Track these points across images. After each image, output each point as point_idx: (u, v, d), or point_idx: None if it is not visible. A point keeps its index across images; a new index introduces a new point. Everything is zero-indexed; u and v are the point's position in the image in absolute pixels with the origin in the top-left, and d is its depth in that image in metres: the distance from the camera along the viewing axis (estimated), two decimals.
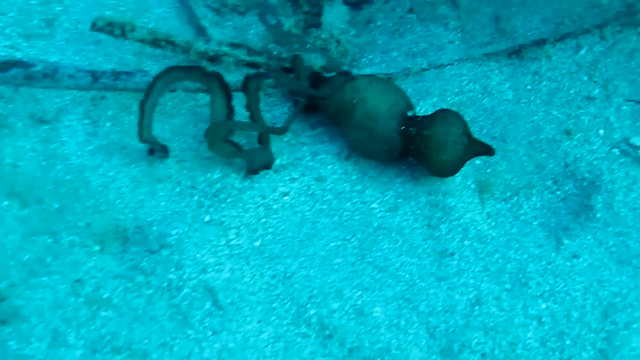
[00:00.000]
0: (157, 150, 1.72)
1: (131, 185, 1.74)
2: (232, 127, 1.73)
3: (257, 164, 1.76)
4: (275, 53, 1.95)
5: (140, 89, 1.81)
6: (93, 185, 1.71)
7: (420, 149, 1.71)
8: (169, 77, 1.73)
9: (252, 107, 1.76)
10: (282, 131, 1.74)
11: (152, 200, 1.72)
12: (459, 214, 1.75)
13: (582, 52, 2.01)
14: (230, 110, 1.76)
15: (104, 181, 1.73)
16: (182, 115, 1.85)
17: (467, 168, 1.81)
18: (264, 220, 1.72)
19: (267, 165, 1.77)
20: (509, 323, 1.60)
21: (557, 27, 2.04)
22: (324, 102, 1.78)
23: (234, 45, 1.95)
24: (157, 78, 1.72)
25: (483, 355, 1.57)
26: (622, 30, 2.03)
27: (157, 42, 1.87)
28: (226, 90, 1.75)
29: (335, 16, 2.03)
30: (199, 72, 1.75)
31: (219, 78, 1.74)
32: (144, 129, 1.70)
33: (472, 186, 1.82)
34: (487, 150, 1.71)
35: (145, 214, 1.70)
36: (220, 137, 1.70)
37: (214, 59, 1.91)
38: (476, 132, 1.87)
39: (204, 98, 1.86)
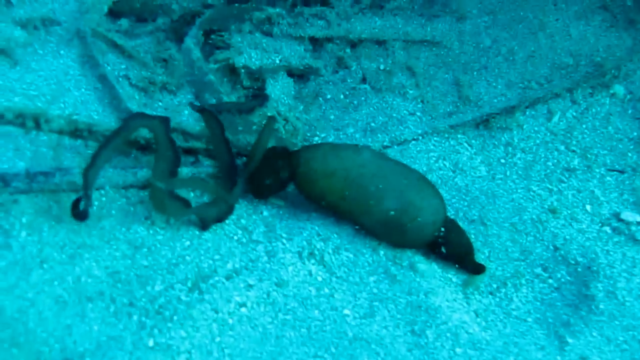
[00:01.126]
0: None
1: (55, 307, 1.46)
2: (176, 187, 1.59)
3: (209, 218, 1.61)
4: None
5: (60, 189, 1.57)
6: (8, 310, 1.43)
7: None
8: (115, 141, 1.57)
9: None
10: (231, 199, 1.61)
11: (81, 324, 1.44)
12: (445, 316, 1.56)
13: (555, 118, 1.99)
14: (176, 159, 1.62)
15: (21, 305, 1.44)
16: (112, 217, 1.61)
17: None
18: (218, 339, 1.47)
19: (221, 219, 1.63)
20: None
21: (524, 91, 2.02)
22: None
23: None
24: (101, 146, 1.54)
25: None
26: (594, 92, 2.03)
27: (77, 131, 1.66)
28: (170, 138, 1.61)
29: (280, 90, 1.90)
30: (140, 119, 1.60)
31: (163, 121, 1.59)
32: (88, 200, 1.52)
33: (454, 279, 1.65)
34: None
35: (75, 342, 1.41)
36: (165, 196, 1.57)
37: (145, 147, 1.72)
38: (453, 215, 1.75)
39: (135, 195, 1.66)
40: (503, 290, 1.65)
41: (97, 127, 1.67)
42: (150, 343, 1.43)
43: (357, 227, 1.66)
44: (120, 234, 1.60)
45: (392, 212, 1.59)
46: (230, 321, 1.50)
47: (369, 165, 1.60)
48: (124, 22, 1.96)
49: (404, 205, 1.59)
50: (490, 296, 1.64)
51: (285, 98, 1.90)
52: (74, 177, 1.59)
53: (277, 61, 1.91)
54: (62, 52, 1.92)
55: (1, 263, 1.49)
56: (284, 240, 1.65)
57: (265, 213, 1.71)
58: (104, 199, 1.63)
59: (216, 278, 1.55)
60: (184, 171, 1.69)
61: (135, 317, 1.47)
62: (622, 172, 1.88)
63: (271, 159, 1.65)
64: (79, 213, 1.53)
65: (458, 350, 1.51)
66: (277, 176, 1.65)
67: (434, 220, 1.59)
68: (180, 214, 1.59)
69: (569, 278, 1.68)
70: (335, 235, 1.66)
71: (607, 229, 1.77)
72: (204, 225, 1.61)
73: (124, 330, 1.46)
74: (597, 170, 1.88)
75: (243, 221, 1.67)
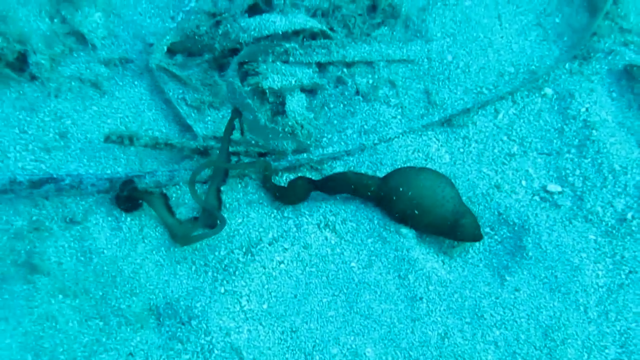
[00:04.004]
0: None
1: (156, 269, 1.94)
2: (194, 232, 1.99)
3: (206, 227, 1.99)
4: (252, 142, 2.14)
5: (149, 187, 2.08)
6: (125, 272, 1.95)
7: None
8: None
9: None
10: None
11: (175, 280, 1.93)
12: (421, 264, 1.95)
13: (500, 116, 2.20)
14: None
15: (133, 268, 1.94)
16: (186, 204, 2.08)
17: None
18: (267, 286, 1.93)
19: (211, 226, 1.99)
20: (472, 349, 1.86)
21: (477, 96, 2.23)
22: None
23: (217, 138, 2.19)
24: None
25: None
26: (529, 94, 2.22)
27: (157, 145, 2.13)
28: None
29: (296, 103, 2.21)
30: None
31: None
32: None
33: (427, 239, 2.04)
34: None
35: (172, 291, 1.91)
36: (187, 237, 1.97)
37: (203, 152, 2.17)
38: None
39: (200, 188, 2.10)
40: (462, 244, 2.01)
41: (171, 140, 2.12)
42: (222, 290, 1.93)
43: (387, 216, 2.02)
44: (192, 216, 2.05)
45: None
46: (274, 273, 1.95)
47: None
48: (179, 58, 2.30)
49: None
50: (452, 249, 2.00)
51: (300, 109, 2.20)
52: (158, 178, 2.09)
53: (293, 82, 2.21)
54: (136, 82, 2.29)
55: (116, 240, 2.00)
56: (307, 216, 2.04)
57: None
58: (179, 191, 2.12)
59: (262, 245, 1.97)
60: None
61: (210, 273, 1.97)
62: (549, 154, 2.11)
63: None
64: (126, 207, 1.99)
65: (430, 287, 1.92)
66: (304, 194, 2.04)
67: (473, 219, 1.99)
68: (196, 241, 1.97)
69: (508, 235, 2.00)
70: (343, 211, 2.03)
71: (537, 198, 2.04)
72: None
73: (203, 283, 1.95)
74: (531, 154, 2.11)
75: (277, 203, 2.06)
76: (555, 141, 2.15)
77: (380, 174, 2.09)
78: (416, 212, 1.97)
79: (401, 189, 1.96)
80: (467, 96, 2.25)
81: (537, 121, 2.19)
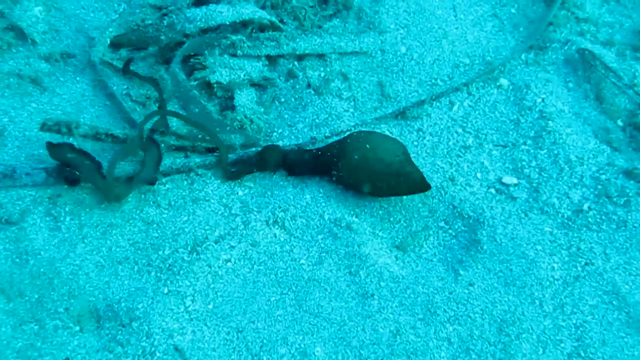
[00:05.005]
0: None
1: (96, 270, 1.91)
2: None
3: (142, 180, 1.98)
4: (199, 136, 2.12)
5: None
6: (64, 273, 1.90)
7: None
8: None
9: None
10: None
11: (116, 280, 1.90)
12: (373, 260, 1.94)
13: (455, 108, 2.21)
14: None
15: (72, 269, 1.90)
16: (129, 202, 2.03)
17: (372, 219, 2.03)
18: (212, 286, 1.91)
19: (151, 182, 1.99)
20: (425, 347, 1.84)
21: (431, 87, 2.24)
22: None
23: (163, 133, 2.15)
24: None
25: None
26: (485, 85, 2.25)
27: (98, 135, 2.07)
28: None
29: (245, 98, 2.19)
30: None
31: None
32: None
33: (380, 234, 2.02)
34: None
35: (113, 293, 1.87)
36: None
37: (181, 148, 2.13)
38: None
39: (145, 186, 2.06)
40: (416, 240, 1.99)
41: (112, 131, 2.06)
42: (165, 290, 1.90)
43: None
44: (136, 214, 2.01)
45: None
46: (220, 272, 1.93)
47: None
48: (123, 52, 2.26)
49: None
50: (406, 245, 2.01)
51: (249, 104, 2.18)
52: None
53: (242, 76, 2.19)
54: (78, 78, 2.26)
55: (54, 240, 1.95)
56: (255, 213, 2.02)
57: (240, 193, 2.06)
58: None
59: (208, 243, 1.95)
60: (178, 161, 2.06)
61: (153, 273, 1.94)
62: (505, 146, 2.11)
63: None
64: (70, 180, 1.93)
65: (382, 283, 1.92)
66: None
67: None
68: (127, 194, 1.95)
69: (463, 228, 1.99)
70: (292, 207, 2.02)
71: (492, 190, 2.04)
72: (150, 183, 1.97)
73: (146, 283, 1.91)
74: (486, 146, 2.11)
75: (224, 200, 2.05)
76: (511, 133, 2.16)
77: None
78: (370, 168, 1.96)
79: (354, 149, 1.97)
80: (422, 88, 2.26)
81: (493, 113, 2.20)
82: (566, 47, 2.31)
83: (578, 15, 2.39)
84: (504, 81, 2.26)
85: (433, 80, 2.27)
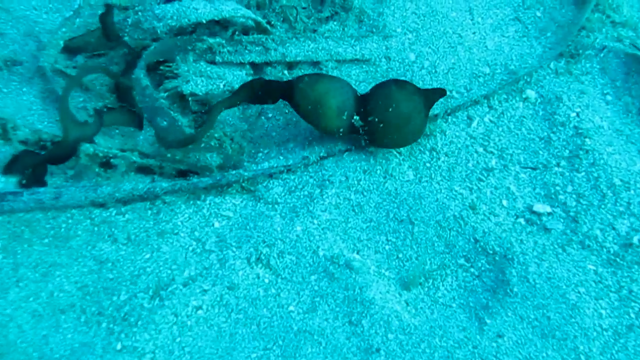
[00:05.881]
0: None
1: (32, 320, 1.65)
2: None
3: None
4: (168, 155, 1.90)
5: (29, 209, 1.72)
6: None
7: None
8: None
9: None
10: None
11: (56, 334, 1.64)
12: (379, 306, 1.72)
13: (474, 123, 2.03)
14: None
15: (1, 320, 1.62)
16: (78, 237, 1.78)
17: (377, 255, 1.81)
18: (178, 339, 1.66)
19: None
20: None
21: (446, 100, 2.05)
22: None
23: (123, 150, 1.90)
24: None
25: None
26: (508, 98, 2.06)
27: (41, 141, 1.80)
28: None
29: (224, 112, 1.99)
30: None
31: None
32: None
33: (386, 273, 1.80)
34: (440, 93, 1.87)
35: (51, 349, 1.62)
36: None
37: (105, 163, 1.86)
38: (382, 217, 1.86)
39: (99, 215, 1.81)
40: (431, 280, 1.78)
41: (58, 137, 1.81)
42: (118, 346, 1.61)
43: None
44: (87, 251, 1.77)
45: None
46: (189, 323, 1.68)
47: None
48: (79, 58, 2.06)
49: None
50: (419, 287, 1.77)
51: (230, 119, 2.01)
52: (41, 196, 1.75)
53: (222, 86, 1.99)
54: (25, 89, 2.05)
55: None
56: (234, 249, 1.80)
57: (216, 225, 1.85)
58: (70, 221, 1.79)
59: (174, 286, 1.72)
60: (140, 186, 1.82)
61: (104, 325, 1.65)
62: (534, 168, 1.94)
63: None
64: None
65: (390, 335, 1.67)
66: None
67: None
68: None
69: (488, 266, 1.79)
70: (279, 242, 1.81)
71: (522, 220, 1.84)
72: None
73: (95, 337, 1.64)
74: (512, 168, 1.93)
75: (197, 233, 1.82)
76: (541, 152, 1.97)
77: (328, 194, 1.90)
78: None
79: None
80: None
81: (519, 129, 2.02)
82: (602, 55, 2.13)
83: (614, 18, 2.19)
84: (530, 93, 2.08)
85: (448, 92, 2.05)
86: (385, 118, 1.82)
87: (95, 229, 1.81)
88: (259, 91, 1.86)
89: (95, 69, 1.87)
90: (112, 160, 1.82)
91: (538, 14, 2.27)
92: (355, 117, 1.84)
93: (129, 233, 1.82)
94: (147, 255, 1.79)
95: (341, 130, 1.85)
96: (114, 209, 1.84)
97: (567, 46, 2.14)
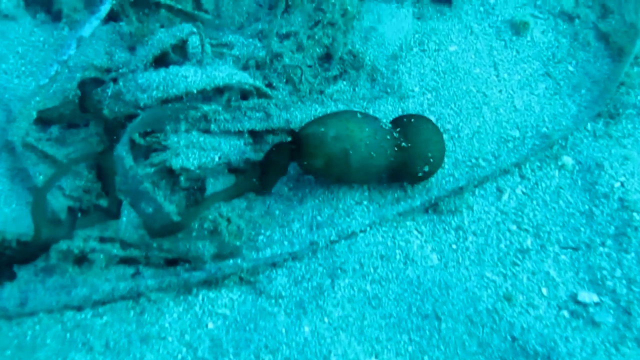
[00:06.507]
0: None
1: None
2: None
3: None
4: (154, 245, 1.68)
5: None
6: None
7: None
8: None
9: None
10: None
11: None
12: None
13: (505, 196, 1.87)
14: None
15: None
16: (46, 346, 1.55)
17: (399, 359, 1.58)
18: None
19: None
20: None
21: (471, 169, 1.92)
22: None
23: (103, 240, 1.68)
24: None
25: None
26: (542, 165, 1.93)
27: (5, 242, 1.60)
28: None
29: (221, 187, 1.82)
30: None
31: None
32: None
33: None
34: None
35: None
36: None
37: (81, 258, 1.65)
38: (404, 310, 1.65)
39: (72, 319, 1.59)
40: None
41: (26, 237, 1.61)
42: None
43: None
44: None
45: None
46: None
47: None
48: (54, 130, 1.86)
49: None
50: None
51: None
52: (4, 302, 1.53)
53: (216, 159, 1.81)
54: None
55: None
56: (231, 356, 1.57)
57: (210, 326, 1.62)
58: (37, 327, 1.56)
59: None
60: (122, 285, 1.61)
61: None
62: (576, 249, 1.78)
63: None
64: None
65: None
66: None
67: None
68: None
69: None
70: (284, 346, 1.58)
71: (565, 312, 1.66)
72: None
73: None
74: (551, 249, 1.77)
75: (187, 337, 1.59)
76: (583, 230, 1.80)
77: (340, 287, 1.69)
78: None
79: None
80: (458, 171, 1.93)
81: (556, 202, 1.86)
82: None
83: None
84: (567, 160, 1.94)
85: (473, 160, 1.95)
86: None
87: (68, 335, 1.57)
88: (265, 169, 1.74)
89: (83, 159, 1.65)
90: (89, 255, 1.59)
91: (570, 68, 2.16)
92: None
93: (107, 339, 1.58)
94: None
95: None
96: (89, 309, 1.59)
97: (606, 105, 2.03)
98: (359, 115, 1.71)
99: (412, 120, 1.77)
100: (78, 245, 1.62)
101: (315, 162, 1.68)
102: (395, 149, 1.73)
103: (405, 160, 1.74)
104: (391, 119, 1.98)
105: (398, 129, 1.75)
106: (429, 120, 1.78)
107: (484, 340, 1.62)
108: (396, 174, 1.77)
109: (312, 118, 1.92)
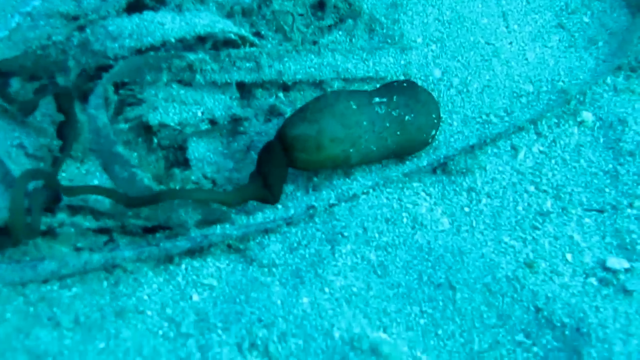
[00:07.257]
0: None
1: None
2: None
3: None
4: (130, 213, 1.58)
5: None
6: None
7: None
8: None
9: None
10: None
11: None
12: None
13: (520, 155, 1.83)
14: None
15: None
16: (6, 321, 1.46)
17: (410, 333, 1.50)
18: None
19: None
20: None
21: (482, 126, 1.88)
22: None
23: (72, 210, 1.57)
24: None
25: None
26: (560, 122, 1.88)
27: None
28: None
29: (203, 148, 1.77)
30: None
31: None
32: None
33: (424, 358, 1.46)
34: None
35: None
36: None
37: (47, 231, 1.53)
38: (414, 280, 1.56)
39: (35, 291, 1.50)
40: None
41: None
42: None
43: None
44: (18, 341, 1.45)
45: None
46: None
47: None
48: (15, 82, 1.77)
49: None
50: None
51: (212, 156, 1.78)
52: None
53: (199, 114, 1.75)
54: None
55: None
56: (219, 331, 1.50)
57: (195, 298, 1.54)
58: None
59: None
60: (95, 257, 1.47)
61: None
62: (601, 211, 1.74)
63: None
64: None
65: None
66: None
67: None
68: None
69: (556, 344, 1.51)
70: (281, 319, 1.50)
71: (593, 280, 1.60)
72: None
73: None
74: (574, 212, 1.72)
75: (169, 311, 1.51)
76: (608, 190, 1.77)
77: (341, 254, 1.61)
78: None
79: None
80: (468, 128, 1.90)
81: (577, 161, 1.83)
82: None
83: None
84: (587, 115, 1.90)
85: (484, 117, 1.91)
86: None
87: (31, 309, 1.48)
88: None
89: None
90: (57, 229, 1.51)
91: (585, 19, 2.11)
92: None
93: (76, 314, 1.50)
94: (102, 345, 1.46)
95: None
96: (56, 280, 1.46)
97: (626, 58, 1.99)
98: (351, 104, 1.64)
99: (405, 84, 1.74)
100: (45, 222, 1.53)
101: (311, 166, 1.64)
102: (398, 132, 1.69)
103: (409, 136, 1.71)
104: (393, 71, 1.95)
105: (394, 98, 1.70)
106: (415, 83, 1.76)
107: (505, 312, 1.56)
108: (402, 151, 1.74)
109: (307, 70, 1.85)
